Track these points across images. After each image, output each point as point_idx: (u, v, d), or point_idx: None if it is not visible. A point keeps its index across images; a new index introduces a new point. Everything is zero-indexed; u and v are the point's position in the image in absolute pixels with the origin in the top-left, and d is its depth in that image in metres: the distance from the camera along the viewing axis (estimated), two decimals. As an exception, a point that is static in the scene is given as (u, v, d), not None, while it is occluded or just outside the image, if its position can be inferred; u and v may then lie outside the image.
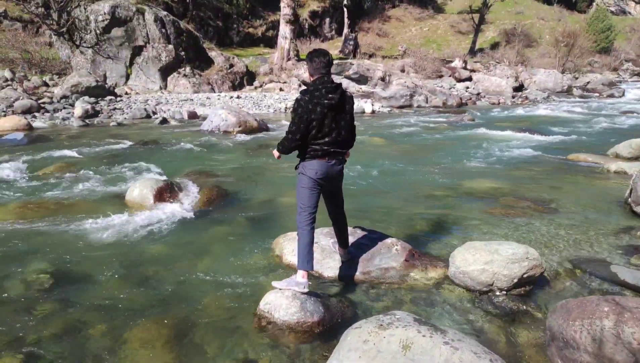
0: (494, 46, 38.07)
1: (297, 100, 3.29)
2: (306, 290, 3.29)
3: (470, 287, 3.65)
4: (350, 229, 4.21)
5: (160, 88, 19.31)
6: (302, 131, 3.27)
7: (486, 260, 3.59)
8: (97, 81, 16.16)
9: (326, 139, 3.33)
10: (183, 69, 19.87)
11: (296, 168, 3.52)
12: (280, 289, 3.32)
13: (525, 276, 3.56)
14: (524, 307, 3.46)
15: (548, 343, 2.81)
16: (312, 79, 3.36)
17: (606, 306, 2.49)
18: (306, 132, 3.28)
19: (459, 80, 24.37)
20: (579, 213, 5.54)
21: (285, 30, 23.86)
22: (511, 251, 3.63)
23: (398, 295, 3.65)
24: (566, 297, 3.47)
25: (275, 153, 3.56)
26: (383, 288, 3.75)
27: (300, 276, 3.32)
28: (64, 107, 14.06)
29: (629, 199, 5.67)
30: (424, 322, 2.57)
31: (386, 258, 4.05)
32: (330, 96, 3.25)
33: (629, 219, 5.36)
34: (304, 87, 20.37)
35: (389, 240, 4.27)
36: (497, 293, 3.60)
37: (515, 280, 3.55)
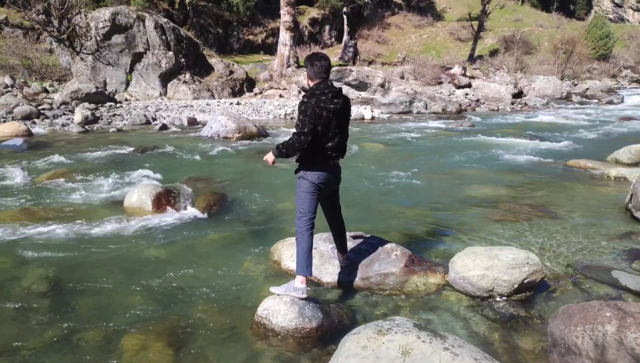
0: (493, 53, 38.21)
1: (303, 102, 3.23)
2: (304, 295, 3.25)
3: (471, 293, 3.62)
4: (349, 235, 4.18)
5: (160, 94, 19.33)
6: (312, 133, 3.20)
7: (486, 265, 3.57)
8: (97, 88, 16.18)
9: (329, 144, 3.32)
10: (183, 75, 19.90)
11: (296, 172, 3.46)
12: (278, 295, 3.29)
13: (525, 281, 3.53)
14: (525, 313, 3.43)
15: (550, 350, 2.78)
16: (312, 83, 3.35)
17: (608, 311, 2.46)
18: (314, 135, 3.22)
19: (458, 87, 24.42)
20: (579, 219, 5.52)
21: (285, 37, 23.93)
22: (511, 256, 3.60)
23: (397, 301, 3.62)
24: (567, 303, 3.44)
25: (270, 157, 3.37)
26: (382, 294, 3.72)
27: (299, 281, 3.28)
28: (64, 114, 14.05)
29: (629, 205, 5.66)
30: (423, 328, 2.54)
31: (385, 264, 4.02)
32: (335, 100, 3.26)
33: (629, 225, 5.34)
34: (303, 93, 20.41)
35: (388, 246, 4.24)
36: (498, 298, 3.57)
37: (516, 286, 3.53)
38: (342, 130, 3.39)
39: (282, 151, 3.28)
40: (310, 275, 3.40)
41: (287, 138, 3.33)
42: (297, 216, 3.41)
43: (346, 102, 3.38)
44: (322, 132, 3.25)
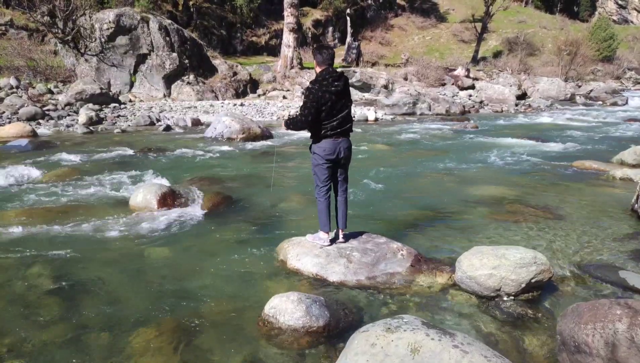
0: (497, 54, 38.16)
1: (308, 88, 3.80)
2: (327, 243, 4.13)
3: (478, 292, 3.60)
4: (355, 234, 4.30)
5: (164, 96, 19.38)
6: (314, 115, 3.77)
7: (493, 264, 3.55)
8: (101, 89, 16.23)
9: (334, 121, 3.84)
10: (187, 76, 19.94)
11: (310, 148, 4.05)
12: (309, 241, 4.19)
13: (533, 281, 3.52)
14: (533, 312, 3.41)
15: (559, 348, 2.76)
16: (319, 69, 3.86)
17: (619, 309, 2.45)
18: (316, 116, 3.77)
19: (462, 88, 24.37)
20: (585, 220, 5.50)
21: (288, 38, 23.96)
22: (519, 255, 3.58)
23: (404, 300, 3.61)
24: (574, 302, 3.42)
25: (282, 127, 4.11)
26: (389, 293, 3.71)
27: (322, 234, 4.16)
28: (68, 115, 14.10)
29: (635, 206, 5.64)
30: (432, 326, 2.52)
31: (392, 263, 4.01)
32: (336, 83, 3.80)
33: (635, 226, 5.32)
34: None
35: (394, 245, 4.23)
36: (505, 298, 3.55)
37: (523, 285, 3.51)
38: (344, 108, 3.88)
39: (289, 124, 3.93)
40: (328, 231, 4.17)
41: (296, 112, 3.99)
42: (315, 186, 4.10)
43: (345, 83, 3.90)
44: (327, 110, 3.78)
